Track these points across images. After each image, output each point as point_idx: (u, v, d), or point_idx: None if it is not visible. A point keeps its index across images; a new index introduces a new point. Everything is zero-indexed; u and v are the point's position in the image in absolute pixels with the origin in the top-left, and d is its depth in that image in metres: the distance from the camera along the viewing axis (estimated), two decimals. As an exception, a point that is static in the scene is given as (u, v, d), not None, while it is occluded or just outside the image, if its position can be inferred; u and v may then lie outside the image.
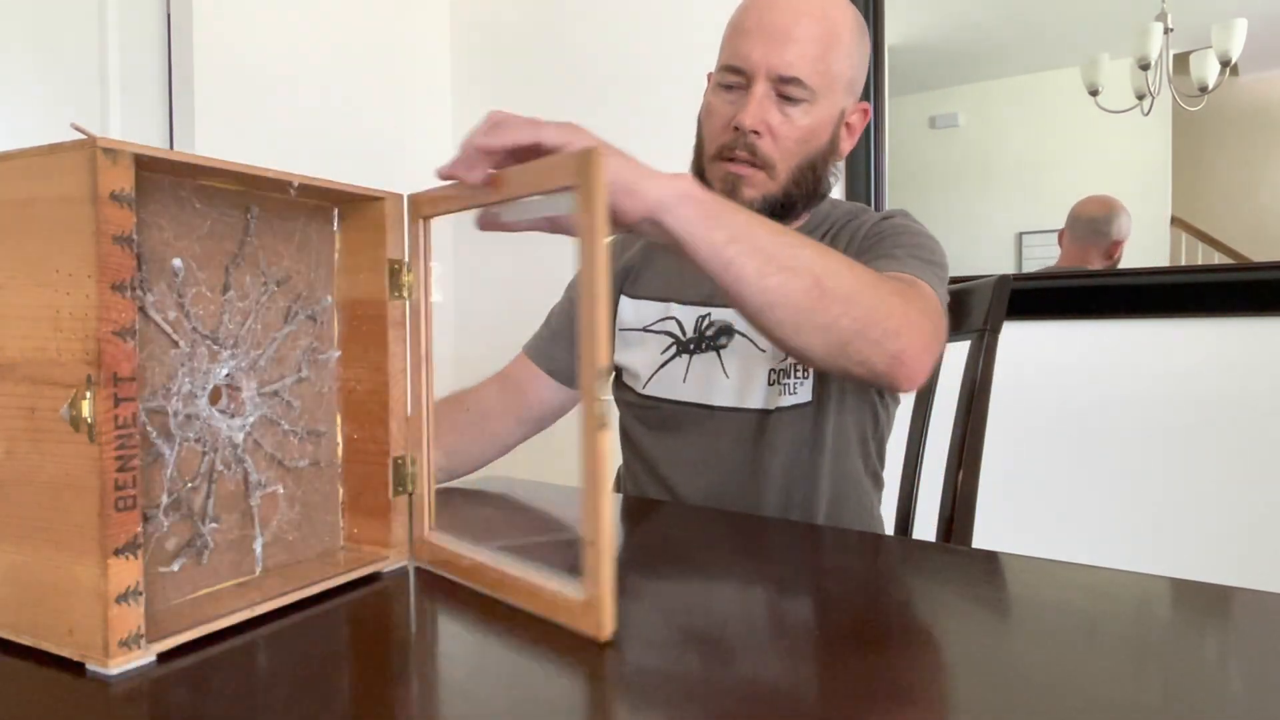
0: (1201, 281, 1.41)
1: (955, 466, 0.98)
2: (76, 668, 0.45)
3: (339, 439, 0.64)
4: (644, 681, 0.44)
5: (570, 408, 1.11)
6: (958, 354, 0.98)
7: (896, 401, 1.02)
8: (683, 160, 1.95)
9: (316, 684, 0.44)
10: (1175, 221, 1.46)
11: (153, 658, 0.46)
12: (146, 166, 0.48)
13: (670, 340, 0.99)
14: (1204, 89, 1.42)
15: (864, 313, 0.67)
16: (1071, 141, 1.55)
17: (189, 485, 0.54)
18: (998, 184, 1.63)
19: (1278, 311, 1.36)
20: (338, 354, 0.64)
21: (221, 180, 0.54)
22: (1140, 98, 1.47)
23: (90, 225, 0.44)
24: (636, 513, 0.91)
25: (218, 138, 1.83)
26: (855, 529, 0.92)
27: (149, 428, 0.51)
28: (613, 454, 0.81)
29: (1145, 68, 1.46)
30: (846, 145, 0.97)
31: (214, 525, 0.55)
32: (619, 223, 0.60)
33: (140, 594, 0.46)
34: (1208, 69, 1.41)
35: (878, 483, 1.04)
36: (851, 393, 0.95)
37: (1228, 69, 1.40)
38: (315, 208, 0.62)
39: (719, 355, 0.95)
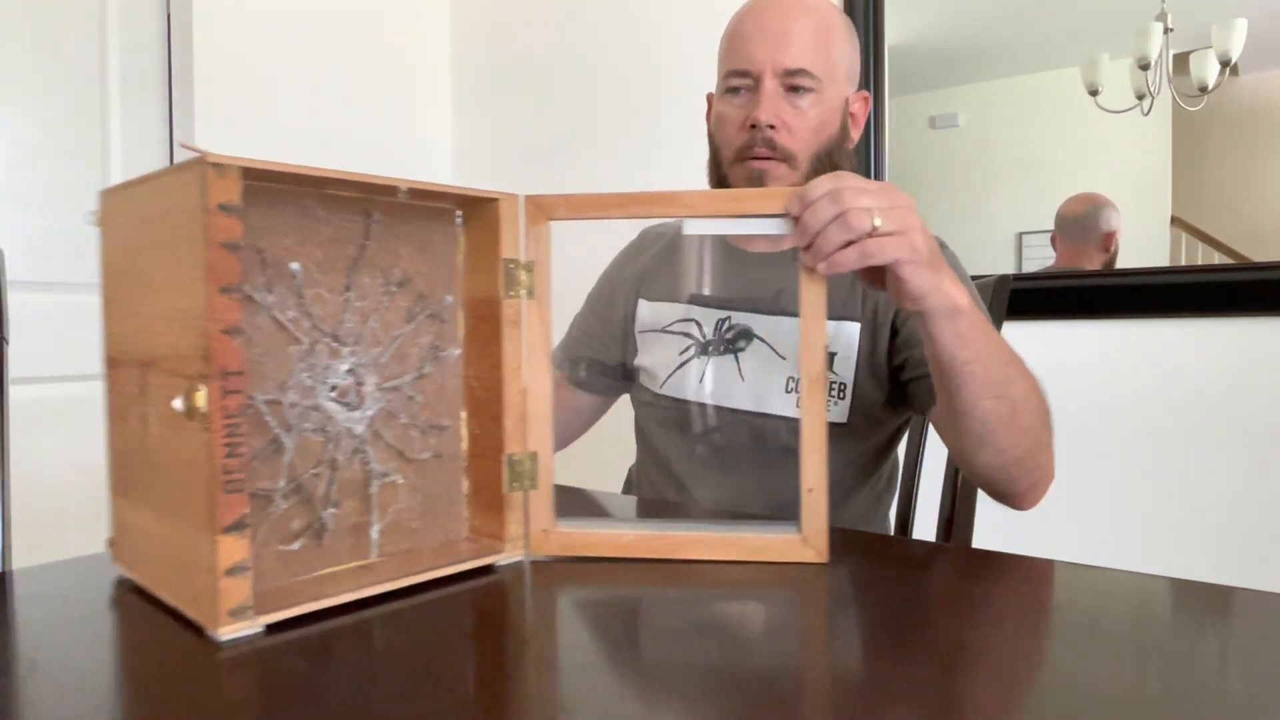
0: (1201, 281, 1.41)
1: (955, 467, 0.98)
2: (200, 630, 0.50)
3: (463, 433, 0.67)
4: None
5: (598, 416, 1.12)
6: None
7: (921, 416, 1.01)
8: (680, 160, 1.95)
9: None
10: (1175, 221, 1.46)
11: (261, 628, 0.50)
12: (262, 178, 0.53)
13: (689, 341, 0.99)
14: (1204, 89, 1.42)
15: (1032, 444, 0.74)
16: (1071, 141, 1.55)
17: (311, 472, 0.58)
18: (998, 184, 1.63)
19: (1278, 311, 1.36)
20: (458, 352, 0.67)
21: (341, 189, 0.58)
22: (1140, 98, 1.47)
23: (201, 234, 0.48)
24: (650, 513, 0.91)
25: (218, 138, 1.83)
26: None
27: (268, 418, 0.55)
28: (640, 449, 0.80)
29: (1145, 68, 1.46)
30: (854, 134, 0.99)
31: (333, 510, 0.59)
32: (903, 300, 0.66)
33: (247, 569, 0.49)
34: (1208, 69, 1.41)
35: (890, 488, 1.04)
36: (882, 415, 0.95)
37: (1228, 69, 1.40)
38: (437, 211, 0.65)
39: (736, 358, 0.96)
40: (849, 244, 0.60)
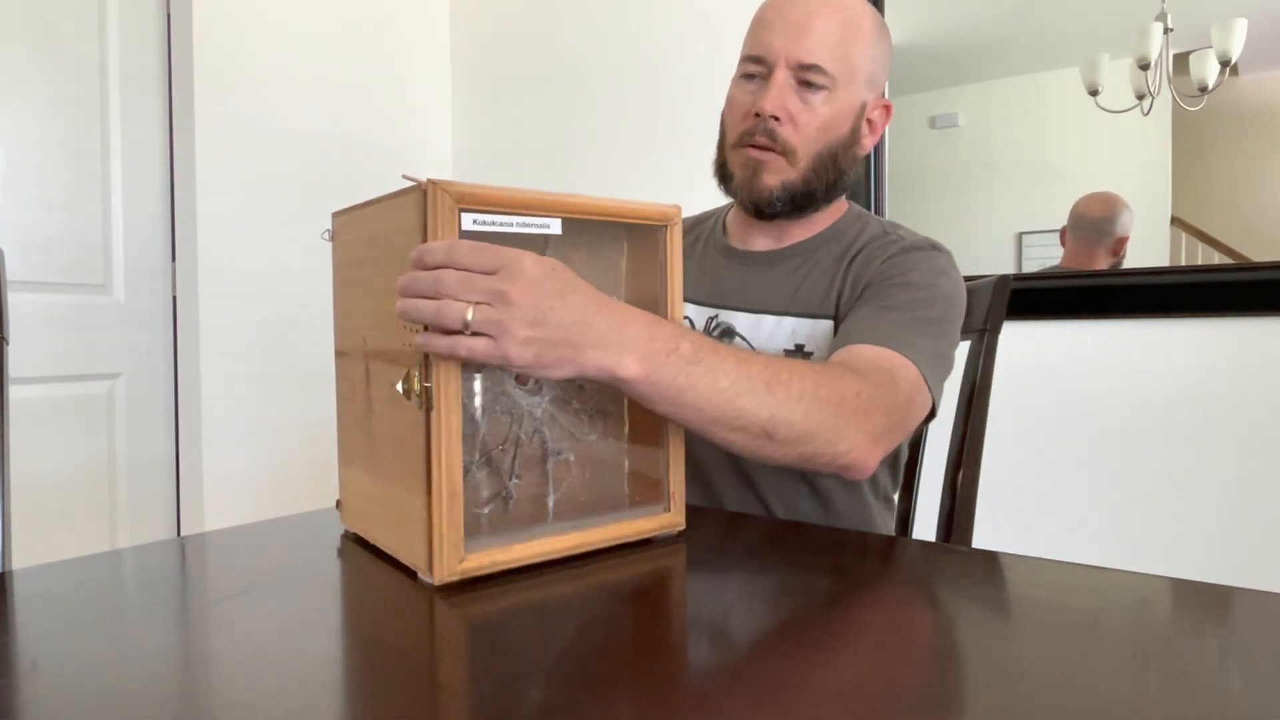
0: (1201, 281, 1.41)
1: (955, 466, 0.98)
2: (414, 575, 0.61)
3: (625, 419, 0.74)
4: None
5: None
6: (958, 354, 0.98)
7: (927, 423, 0.97)
8: (679, 159, 1.95)
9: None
10: (1175, 221, 1.46)
11: (461, 576, 0.59)
12: (463, 200, 0.60)
13: None
14: (1204, 89, 1.42)
15: (813, 444, 0.71)
16: (1071, 141, 1.55)
17: (499, 448, 0.67)
18: (998, 184, 1.63)
19: (1278, 311, 1.36)
20: None
21: (524, 210, 0.66)
22: (1140, 98, 1.47)
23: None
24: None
25: (218, 138, 1.83)
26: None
27: (465, 400, 0.64)
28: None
29: (1145, 68, 1.46)
30: (869, 141, 0.97)
31: (516, 481, 0.68)
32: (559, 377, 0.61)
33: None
34: (1208, 69, 1.41)
35: (889, 505, 1.02)
36: None
37: (1228, 69, 1.40)
38: (604, 222, 0.73)
39: None
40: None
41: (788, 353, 0.93)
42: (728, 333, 0.97)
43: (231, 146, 1.86)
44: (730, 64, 0.99)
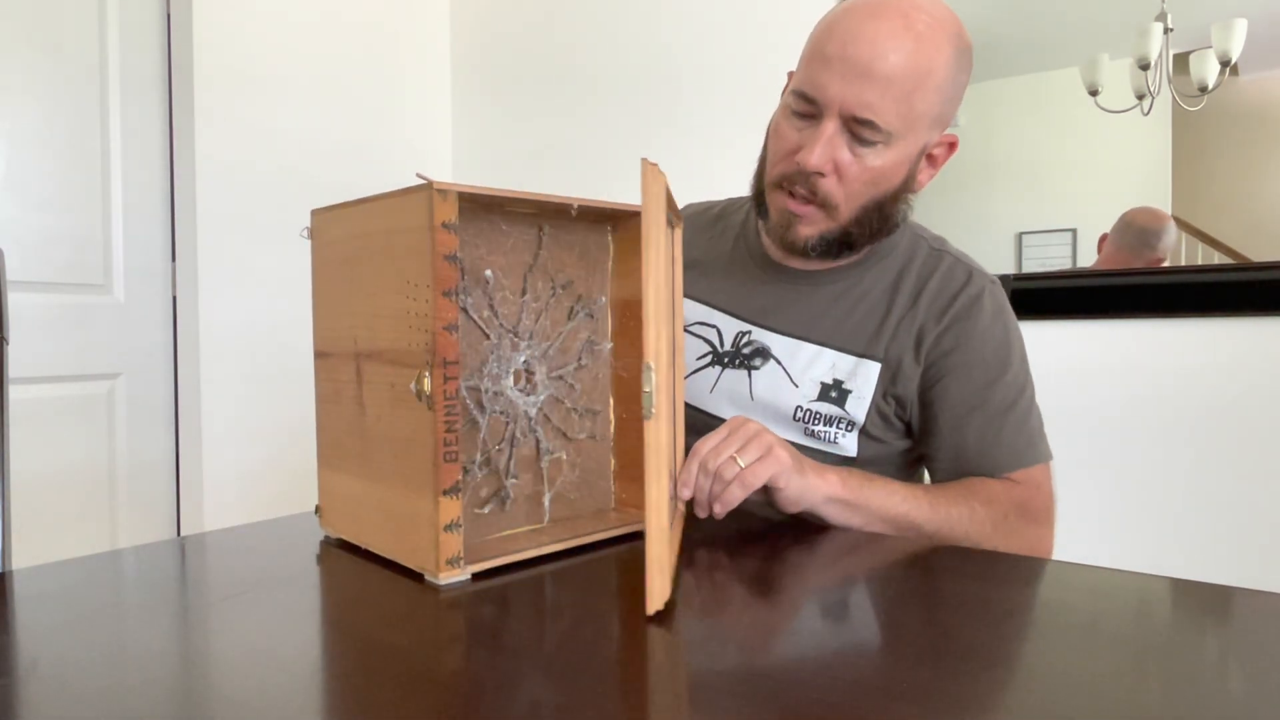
0: (1201, 281, 1.41)
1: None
2: (418, 577, 0.61)
3: (611, 417, 0.76)
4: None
5: None
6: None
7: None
8: (679, 160, 1.95)
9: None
10: (1175, 221, 1.46)
11: (468, 575, 0.60)
12: (465, 200, 0.61)
13: (708, 348, 0.96)
14: (1204, 89, 1.42)
15: (985, 545, 0.79)
16: (1071, 141, 1.55)
17: (496, 448, 0.68)
18: (998, 184, 1.63)
19: (1278, 311, 1.36)
20: (610, 345, 0.76)
21: (520, 207, 0.68)
22: (1140, 98, 1.47)
23: (428, 247, 0.58)
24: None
25: (217, 138, 1.83)
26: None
27: (468, 401, 0.66)
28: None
29: (1145, 68, 1.46)
30: (925, 177, 0.89)
31: (513, 480, 0.69)
32: (786, 507, 0.75)
33: (460, 526, 0.60)
34: (1208, 69, 1.41)
35: None
36: (890, 454, 0.91)
37: (1228, 69, 1.40)
38: (593, 223, 0.74)
39: (749, 375, 0.93)
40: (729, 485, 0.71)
41: (824, 386, 0.89)
42: (761, 353, 0.92)
43: (231, 146, 1.86)
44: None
